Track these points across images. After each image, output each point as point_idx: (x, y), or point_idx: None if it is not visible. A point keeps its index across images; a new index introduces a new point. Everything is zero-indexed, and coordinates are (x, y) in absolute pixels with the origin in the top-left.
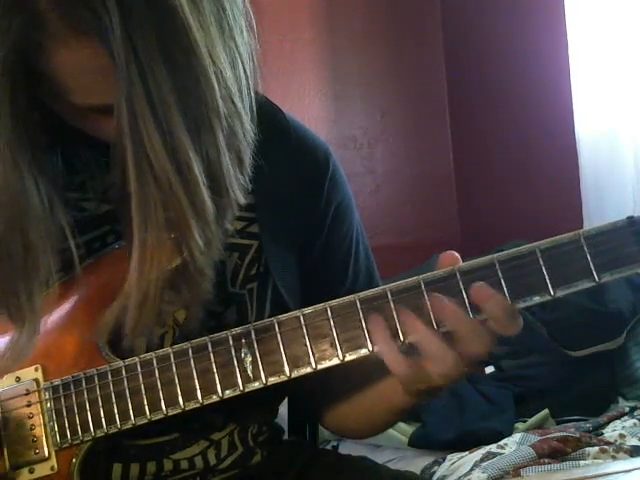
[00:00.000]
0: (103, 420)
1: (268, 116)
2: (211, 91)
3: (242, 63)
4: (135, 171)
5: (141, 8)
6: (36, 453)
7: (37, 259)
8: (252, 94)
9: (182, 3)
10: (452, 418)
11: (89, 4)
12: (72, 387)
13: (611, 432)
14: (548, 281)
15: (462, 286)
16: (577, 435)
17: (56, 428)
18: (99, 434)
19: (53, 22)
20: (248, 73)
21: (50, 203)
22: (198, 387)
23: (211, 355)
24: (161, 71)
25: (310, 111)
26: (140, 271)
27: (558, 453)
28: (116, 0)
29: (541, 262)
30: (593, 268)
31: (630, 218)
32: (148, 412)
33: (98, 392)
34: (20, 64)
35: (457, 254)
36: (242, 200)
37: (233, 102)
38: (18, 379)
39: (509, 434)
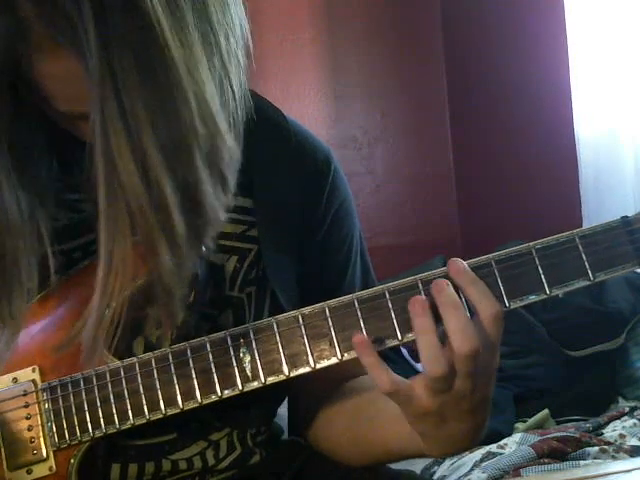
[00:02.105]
0: (102, 420)
1: (268, 118)
2: (189, 110)
3: (229, 80)
4: (105, 187)
5: (119, 24)
6: (34, 454)
7: (18, 268)
8: (240, 111)
9: (162, 20)
10: None
11: (67, 16)
12: (70, 388)
13: (611, 432)
14: (544, 280)
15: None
16: (577, 435)
17: (54, 429)
18: (97, 434)
19: (36, 31)
20: (235, 89)
21: (32, 214)
22: (197, 387)
23: (210, 355)
24: (136, 88)
25: (310, 111)
26: (103, 290)
27: (558, 453)
28: (93, 14)
29: (537, 261)
30: (588, 267)
31: (624, 218)
32: (147, 412)
33: (96, 393)
34: (5, 71)
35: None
36: (224, 219)
37: (214, 120)
38: (15, 380)
39: (509, 434)
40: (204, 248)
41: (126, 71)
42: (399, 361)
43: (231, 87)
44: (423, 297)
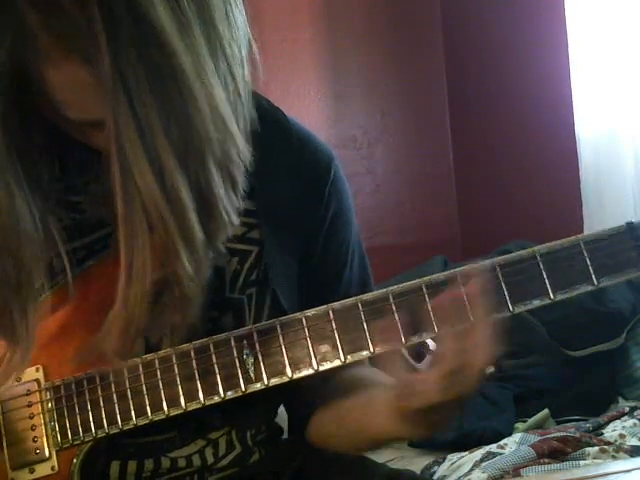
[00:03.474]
0: (104, 420)
1: (269, 119)
2: (200, 115)
3: (236, 83)
4: (122, 195)
5: (128, 33)
6: (37, 453)
7: (31, 277)
8: (246, 112)
9: (168, 27)
10: None
11: (77, 27)
12: (73, 387)
13: (611, 432)
14: (548, 285)
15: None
16: (577, 435)
17: (57, 428)
18: (100, 434)
19: (44, 41)
20: (242, 92)
21: (42, 217)
22: (200, 388)
23: (213, 356)
24: (148, 95)
25: (310, 111)
26: (124, 297)
27: (558, 453)
28: (103, 24)
29: (541, 266)
30: (592, 272)
31: (629, 224)
32: (150, 412)
33: (100, 393)
34: (13, 80)
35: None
36: (236, 222)
37: (225, 124)
38: (19, 379)
39: (509, 434)
40: (220, 250)
41: (137, 79)
42: None
43: (237, 89)
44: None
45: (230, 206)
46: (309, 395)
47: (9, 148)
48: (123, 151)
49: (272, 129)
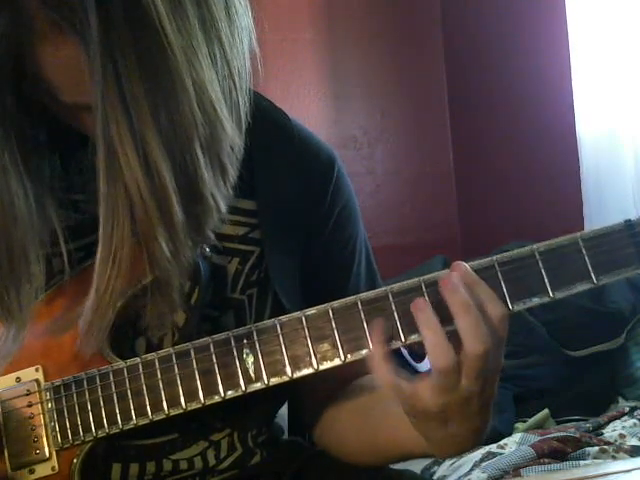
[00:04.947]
0: (105, 420)
1: (271, 119)
2: (187, 97)
3: (230, 69)
4: (105, 173)
5: (120, 12)
6: (37, 453)
7: (25, 256)
8: (241, 101)
9: (159, 7)
10: None
11: (71, 7)
12: (73, 387)
13: (611, 432)
14: (547, 283)
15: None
16: (577, 435)
17: (57, 428)
18: (100, 434)
19: (40, 21)
20: (236, 79)
21: (40, 206)
22: (200, 387)
23: (213, 356)
24: (136, 74)
25: (310, 111)
26: (101, 273)
27: (558, 453)
28: (95, 4)
29: (540, 264)
30: (591, 270)
31: (627, 221)
32: (150, 412)
33: (100, 393)
34: (9, 63)
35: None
36: (224, 209)
37: (214, 108)
38: (19, 379)
39: (509, 434)
40: (206, 247)
41: (126, 58)
42: (399, 361)
43: (232, 76)
44: (424, 298)
45: (217, 192)
46: (316, 401)
47: (8, 136)
48: (108, 129)
49: (273, 130)
